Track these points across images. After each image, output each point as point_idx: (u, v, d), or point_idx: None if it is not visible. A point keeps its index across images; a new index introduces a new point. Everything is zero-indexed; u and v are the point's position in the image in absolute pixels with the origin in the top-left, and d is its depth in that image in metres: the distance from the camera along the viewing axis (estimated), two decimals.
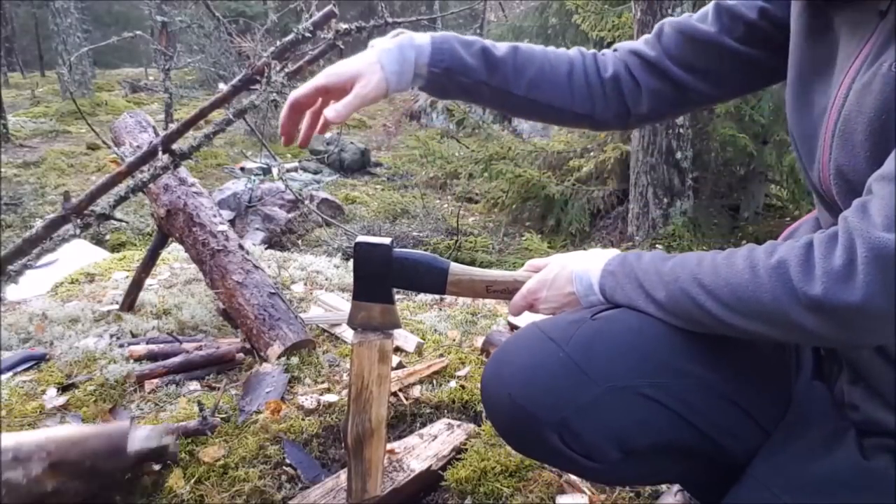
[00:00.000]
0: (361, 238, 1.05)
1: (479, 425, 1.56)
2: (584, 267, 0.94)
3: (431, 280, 1.06)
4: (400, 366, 1.82)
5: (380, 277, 1.06)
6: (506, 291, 1.04)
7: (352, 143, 9.02)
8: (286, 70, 1.30)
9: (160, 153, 1.32)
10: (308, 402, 1.62)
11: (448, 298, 2.41)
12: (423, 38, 0.99)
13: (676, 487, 1.29)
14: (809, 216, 1.02)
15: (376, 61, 0.97)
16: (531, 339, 0.89)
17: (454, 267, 1.06)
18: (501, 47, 1.04)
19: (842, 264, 0.67)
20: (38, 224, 1.29)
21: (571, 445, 0.84)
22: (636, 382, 0.83)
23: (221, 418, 1.55)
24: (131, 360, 1.85)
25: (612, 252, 0.94)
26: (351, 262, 2.98)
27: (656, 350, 0.85)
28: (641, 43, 1.08)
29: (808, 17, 0.87)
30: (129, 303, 2.28)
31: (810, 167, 0.85)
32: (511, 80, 1.04)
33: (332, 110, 0.95)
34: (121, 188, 1.36)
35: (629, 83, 1.07)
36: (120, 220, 1.39)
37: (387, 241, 1.05)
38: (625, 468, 0.89)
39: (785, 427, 0.88)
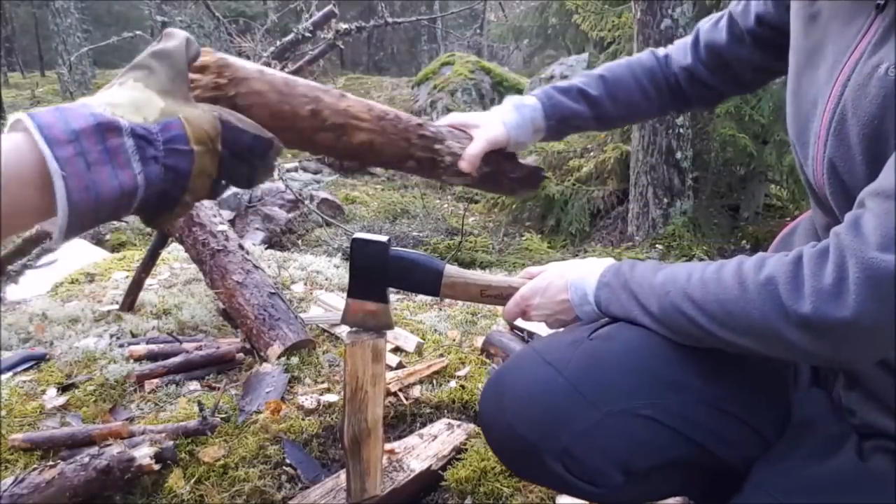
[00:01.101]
0: (358, 234, 1.05)
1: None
2: (579, 276, 0.94)
3: (426, 281, 1.06)
4: (400, 366, 1.82)
5: (375, 275, 1.05)
6: (500, 297, 1.04)
7: None
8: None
9: None
10: (308, 402, 1.62)
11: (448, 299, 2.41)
12: (532, 100, 1.13)
13: None
14: (805, 216, 1.02)
15: (497, 117, 1.09)
16: (529, 364, 0.88)
17: (449, 269, 1.05)
18: (592, 82, 1.16)
19: (832, 283, 0.67)
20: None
21: (575, 472, 0.84)
22: (635, 404, 0.83)
23: (221, 418, 1.55)
24: (131, 360, 1.85)
25: (607, 262, 0.94)
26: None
27: (653, 368, 0.84)
28: (683, 50, 1.18)
29: (803, 9, 0.87)
30: (129, 303, 2.28)
31: (805, 161, 0.85)
32: (609, 109, 1.16)
33: (464, 162, 1.03)
34: None
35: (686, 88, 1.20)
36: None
37: (383, 238, 1.05)
38: (628, 490, 0.89)
39: (786, 434, 0.87)
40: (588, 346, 0.87)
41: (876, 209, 0.66)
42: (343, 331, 2.06)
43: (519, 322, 1.92)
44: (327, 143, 0.91)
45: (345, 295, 2.41)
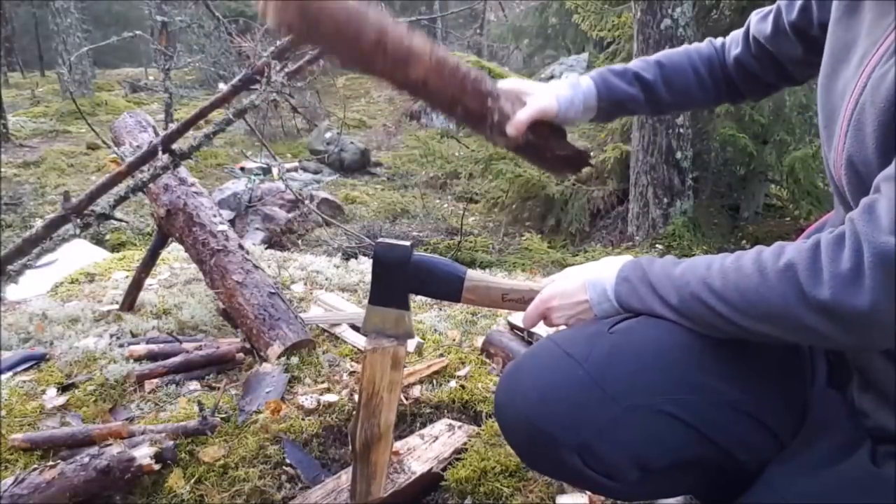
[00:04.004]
0: (382, 239, 1.04)
1: (480, 425, 1.56)
2: (597, 275, 0.93)
3: (447, 286, 1.04)
4: None
5: (397, 280, 1.04)
6: (521, 301, 1.03)
7: (352, 142, 9.02)
8: (286, 70, 1.31)
9: (160, 153, 1.32)
10: (308, 402, 1.62)
11: None
12: (587, 80, 1.14)
13: None
14: (830, 215, 1.01)
15: (552, 90, 1.11)
16: (548, 356, 0.88)
17: (471, 274, 1.04)
18: (649, 68, 1.16)
19: (849, 268, 0.67)
20: (38, 224, 1.30)
21: (592, 466, 0.83)
22: (656, 400, 0.82)
23: (221, 418, 1.55)
24: (131, 360, 1.85)
25: (624, 258, 0.93)
26: (351, 262, 2.99)
27: (674, 365, 0.84)
28: (736, 42, 1.18)
29: (845, 3, 0.86)
30: (129, 303, 2.28)
31: (829, 153, 0.84)
32: (662, 95, 1.17)
33: (510, 126, 1.06)
34: (121, 188, 1.36)
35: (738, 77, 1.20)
36: (120, 220, 1.39)
37: (406, 243, 1.04)
38: (642, 485, 0.89)
39: (801, 435, 0.87)
40: (608, 339, 0.86)
41: (889, 193, 0.66)
42: (343, 330, 2.06)
43: (520, 320, 1.92)
44: (385, 72, 0.97)
45: (345, 294, 2.41)
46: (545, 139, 1.11)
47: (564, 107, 1.10)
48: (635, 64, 1.18)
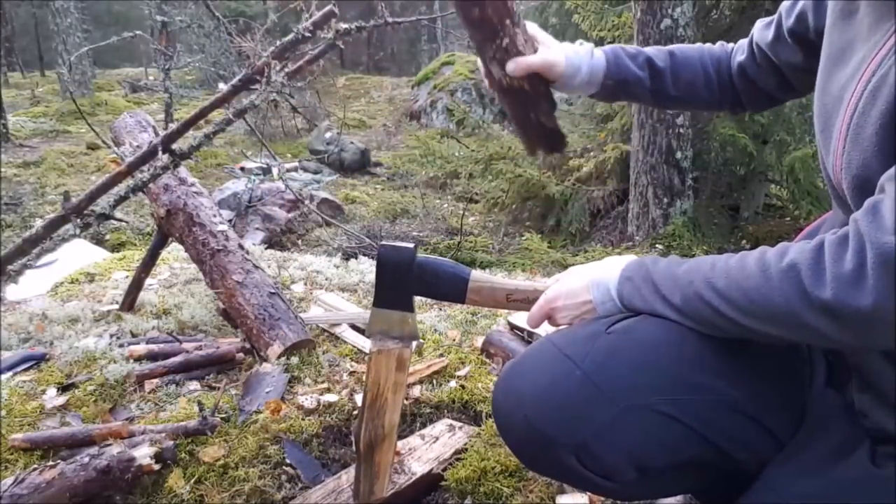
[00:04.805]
0: (385, 242, 1.05)
1: (480, 425, 1.56)
2: (600, 274, 0.93)
3: (452, 288, 1.04)
4: None
5: (401, 283, 1.04)
6: (526, 301, 1.03)
7: (352, 142, 9.01)
8: (286, 70, 1.30)
9: (160, 153, 1.32)
10: (308, 401, 1.62)
11: None
12: (599, 53, 1.13)
13: None
14: (828, 214, 1.01)
15: (563, 50, 1.09)
16: (546, 356, 0.88)
17: (475, 275, 1.04)
18: (662, 56, 1.16)
19: (852, 268, 0.67)
20: (38, 224, 1.29)
21: (589, 466, 0.83)
22: (653, 400, 0.82)
23: (221, 418, 1.55)
24: (131, 360, 1.85)
25: (628, 258, 0.93)
26: (351, 263, 2.99)
27: (671, 365, 0.84)
28: (742, 48, 1.18)
29: (840, 6, 0.86)
30: (129, 303, 2.28)
31: (826, 157, 0.84)
32: (668, 86, 1.16)
33: (514, 62, 1.02)
34: (121, 188, 1.36)
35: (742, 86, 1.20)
36: (120, 220, 1.39)
37: (410, 245, 1.04)
38: (641, 486, 0.89)
39: (800, 435, 0.87)
40: (606, 339, 0.86)
41: (893, 193, 0.66)
42: (343, 330, 2.06)
43: (522, 320, 1.92)
44: None
45: (345, 294, 2.41)
46: (536, 97, 1.08)
47: (571, 71, 1.08)
48: (649, 49, 1.16)
